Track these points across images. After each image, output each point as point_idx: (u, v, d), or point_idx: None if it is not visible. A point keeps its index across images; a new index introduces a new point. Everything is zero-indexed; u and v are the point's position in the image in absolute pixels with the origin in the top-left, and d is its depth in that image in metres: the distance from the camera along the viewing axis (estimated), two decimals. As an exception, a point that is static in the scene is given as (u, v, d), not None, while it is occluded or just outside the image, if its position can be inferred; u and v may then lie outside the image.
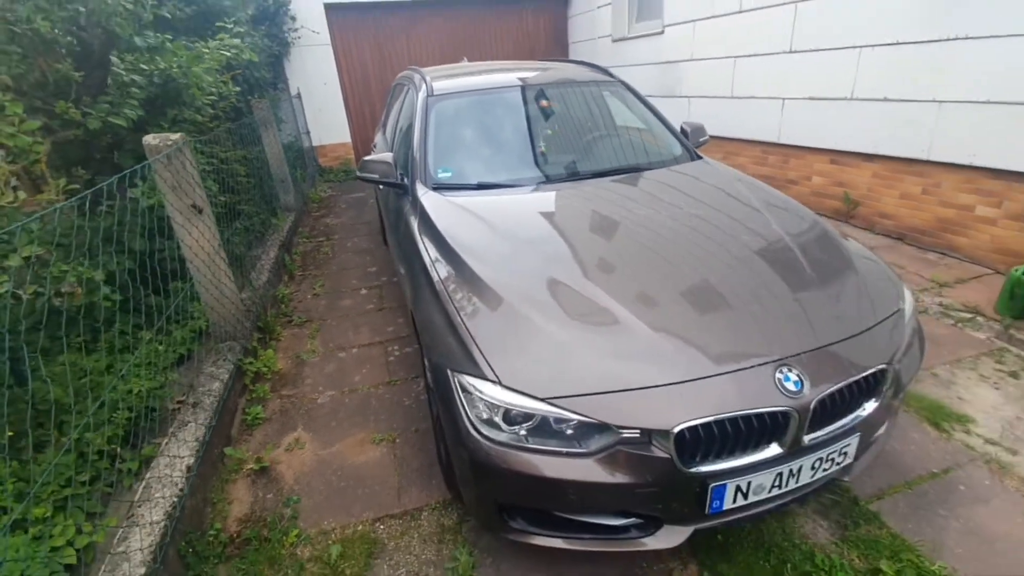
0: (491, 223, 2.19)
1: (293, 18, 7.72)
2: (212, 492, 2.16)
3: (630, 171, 2.70)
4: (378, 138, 4.62)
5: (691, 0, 5.93)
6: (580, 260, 1.96)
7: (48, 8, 2.45)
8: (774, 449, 1.50)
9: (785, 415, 1.46)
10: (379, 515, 2.06)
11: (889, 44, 3.99)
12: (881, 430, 1.87)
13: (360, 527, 2.01)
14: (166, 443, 2.10)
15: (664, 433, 1.41)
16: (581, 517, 1.60)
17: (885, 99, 4.12)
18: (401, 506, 2.10)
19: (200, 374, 2.59)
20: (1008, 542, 1.85)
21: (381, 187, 3.08)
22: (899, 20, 3.88)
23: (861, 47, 4.20)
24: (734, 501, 1.52)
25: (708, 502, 1.49)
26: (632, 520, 1.60)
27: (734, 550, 1.84)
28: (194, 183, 2.60)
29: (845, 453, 1.62)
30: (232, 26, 4.42)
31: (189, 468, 1.97)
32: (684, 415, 1.41)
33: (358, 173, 2.80)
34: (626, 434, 1.43)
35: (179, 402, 2.45)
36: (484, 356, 1.56)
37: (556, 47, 9.25)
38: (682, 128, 3.15)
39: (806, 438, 1.52)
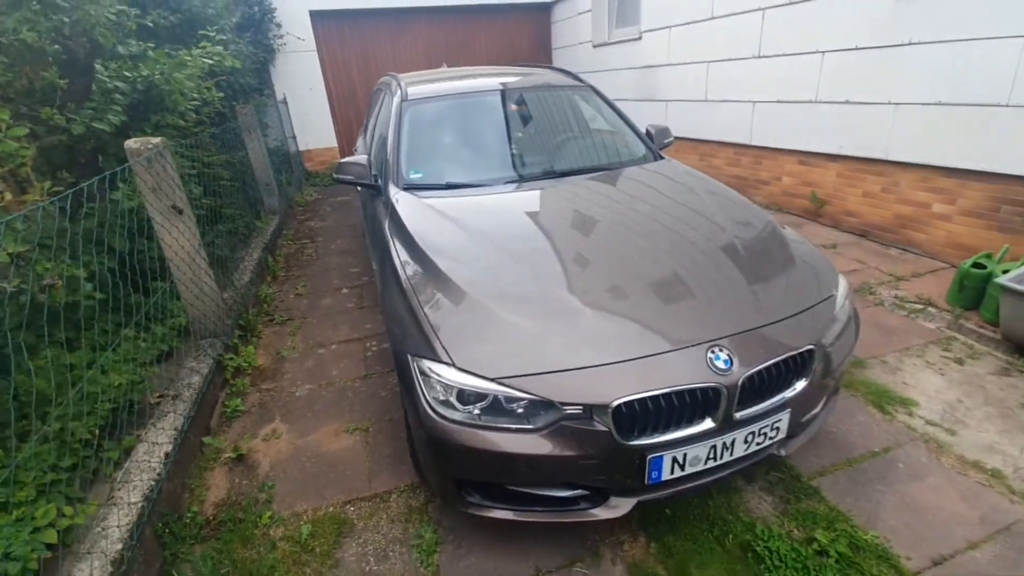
0: (456, 220, 2.31)
1: (279, 25, 7.83)
2: (190, 478, 2.26)
3: (594, 171, 2.84)
4: (359, 142, 4.74)
5: (666, 7, 6.11)
6: (535, 253, 2.09)
7: (34, 19, 2.55)
8: (707, 423, 1.63)
9: (715, 391, 1.59)
10: (350, 498, 2.17)
11: (849, 49, 4.17)
12: (817, 409, 2.01)
13: (331, 509, 2.12)
14: (146, 433, 2.19)
15: (603, 408, 1.53)
16: (532, 490, 1.72)
17: (847, 102, 4.29)
18: (371, 489, 2.21)
19: (181, 369, 2.68)
20: (939, 514, 1.99)
21: (359, 188, 3.19)
22: (857, 26, 4.06)
23: (824, 52, 4.38)
24: (672, 472, 1.64)
25: (647, 473, 1.61)
26: (580, 492, 1.72)
27: (681, 523, 1.96)
28: (174, 185, 2.70)
29: (777, 428, 1.75)
30: (214, 34, 4.52)
31: (167, 455, 2.07)
32: (621, 391, 1.53)
33: (334, 175, 2.92)
34: (569, 410, 1.55)
35: (160, 396, 2.54)
36: (440, 341, 1.68)
37: (540, 52, 9.42)
38: (647, 130, 3.29)
39: (737, 413, 1.65)
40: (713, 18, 5.45)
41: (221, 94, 4.67)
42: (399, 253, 2.19)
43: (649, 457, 1.59)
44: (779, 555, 1.80)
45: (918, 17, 3.64)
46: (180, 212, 2.73)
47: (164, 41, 4.71)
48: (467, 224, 2.29)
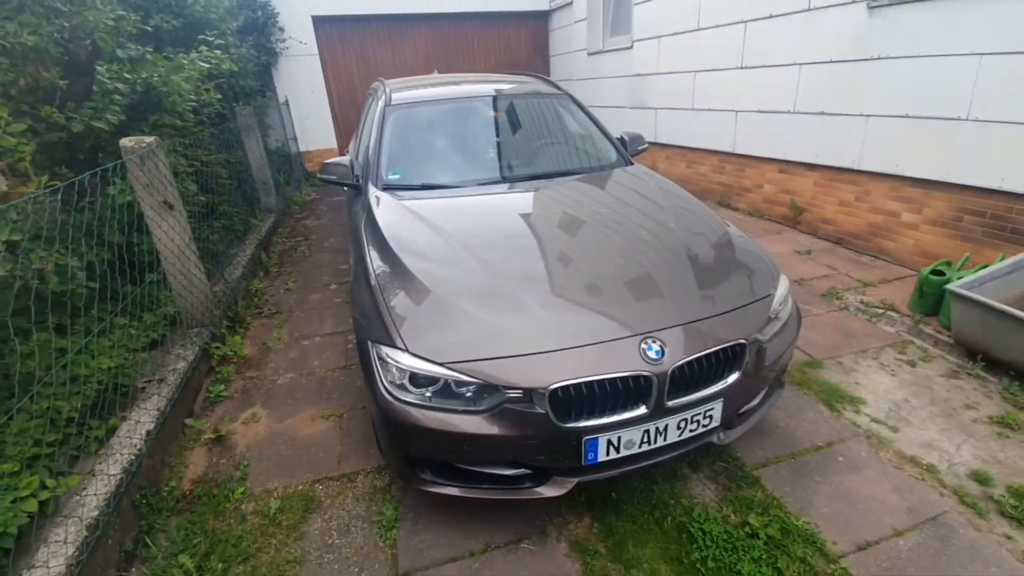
0: (426, 219, 2.46)
1: (282, 29, 8.04)
2: (171, 457, 2.40)
3: (564, 175, 2.98)
4: (352, 144, 4.90)
5: (656, 17, 6.26)
6: (496, 251, 2.22)
7: (36, 23, 2.71)
8: (641, 410, 1.75)
9: (647, 379, 1.72)
10: (319, 477, 2.31)
11: (824, 62, 4.31)
12: (756, 401, 2.14)
13: (300, 487, 2.26)
14: (130, 413, 2.34)
15: (540, 392, 1.66)
16: (479, 468, 1.86)
17: (822, 112, 4.42)
18: (340, 470, 2.35)
19: (167, 355, 2.83)
20: (870, 504, 2.10)
21: (345, 188, 3.34)
22: (832, 39, 4.20)
23: (801, 64, 4.52)
24: (608, 454, 1.77)
25: (584, 454, 1.74)
26: (525, 472, 1.85)
27: (624, 506, 2.09)
28: (166, 182, 2.86)
29: (710, 417, 1.87)
30: (213, 39, 4.70)
31: (148, 432, 2.22)
32: (557, 377, 1.67)
33: (318, 175, 3.07)
34: (510, 393, 1.69)
35: (147, 381, 2.69)
36: (397, 329, 1.82)
37: (537, 59, 9.60)
38: (620, 137, 3.43)
39: (670, 401, 1.77)
40: (699, 29, 5.59)
41: (219, 96, 4.85)
42: (370, 248, 2.33)
43: (585, 439, 1.72)
44: (711, 536, 1.92)
45: (886, 33, 3.78)
46: (171, 207, 2.88)
47: (167, 44, 4.89)
48: (436, 223, 2.43)
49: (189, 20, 5.23)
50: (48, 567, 1.58)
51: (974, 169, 3.47)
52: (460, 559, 1.91)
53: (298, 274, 4.74)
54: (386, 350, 1.81)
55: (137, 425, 2.23)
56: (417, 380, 1.76)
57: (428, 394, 1.76)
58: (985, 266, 3.12)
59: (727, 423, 2.03)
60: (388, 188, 2.82)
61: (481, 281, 2.02)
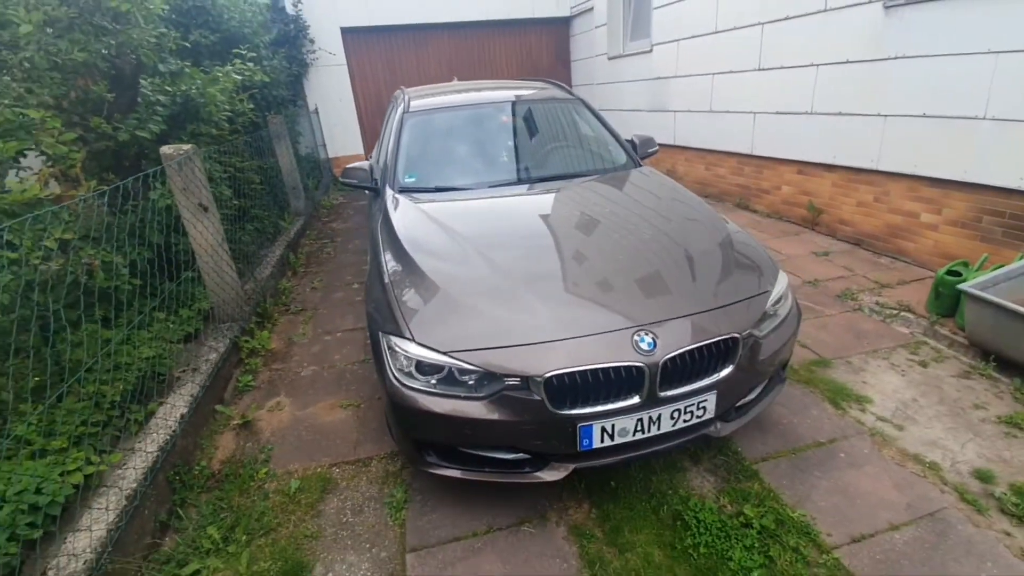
0: (437, 219, 2.60)
1: (312, 40, 8.38)
2: (202, 439, 2.60)
3: (574, 177, 3.08)
4: (375, 150, 5.11)
5: (675, 21, 6.30)
6: (503, 249, 2.34)
7: (84, 40, 2.97)
8: (634, 399, 1.84)
9: (639, 370, 1.80)
10: (336, 461, 2.47)
11: (841, 62, 4.29)
12: (753, 395, 2.19)
13: (319, 469, 2.42)
14: (167, 399, 2.54)
15: (537, 379, 1.77)
16: (481, 452, 1.97)
17: (840, 113, 4.40)
18: (356, 455, 2.50)
19: (201, 347, 3.05)
20: (868, 499, 2.13)
21: (367, 192, 3.52)
22: (848, 40, 4.18)
23: (818, 65, 4.51)
24: (602, 441, 1.86)
25: (579, 440, 1.84)
26: (524, 456, 1.96)
27: (622, 494, 2.17)
28: (202, 186, 3.08)
29: (704, 408, 1.94)
30: (246, 52, 4.98)
31: (182, 416, 2.41)
32: (553, 366, 1.77)
33: (340, 179, 3.25)
34: (509, 381, 1.80)
35: (182, 371, 2.90)
36: (406, 321, 1.96)
37: (559, 65, 9.71)
38: (631, 140, 3.51)
39: (663, 392, 1.85)
40: (717, 32, 5.62)
41: (252, 106, 5.13)
42: (385, 247, 2.48)
43: (580, 426, 1.82)
44: (705, 524, 1.99)
45: (903, 32, 3.76)
46: (206, 209, 3.11)
47: (205, 58, 5.21)
48: (447, 224, 2.56)
49: (225, 35, 5.55)
50: (91, 531, 1.76)
51: (992, 169, 3.42)
52: (464, 539, 2.03)
53: (323, 274, 4.96)
54: (395, 340, 1.94)
55: (173, 409, 2.42)
56: (423, 368, 1.89)
57: (433, 381, 1.89)
58: (1001, 266, 3.08)
59: (724, 416, 2.10)
60: (404, 191, 2.97)
61: (487, 278, 2.14)
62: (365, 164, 3.20)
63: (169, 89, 3.75)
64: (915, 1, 3.65)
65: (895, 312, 3.44)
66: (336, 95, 8.82)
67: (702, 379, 1.93)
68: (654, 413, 1.87)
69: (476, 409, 1.83)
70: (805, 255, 4.50)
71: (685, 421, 1.94)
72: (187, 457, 2.43)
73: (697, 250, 2.28)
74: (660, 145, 6.96)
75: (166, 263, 3.00)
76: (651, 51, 6.90)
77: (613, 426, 1.85)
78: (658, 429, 1.91)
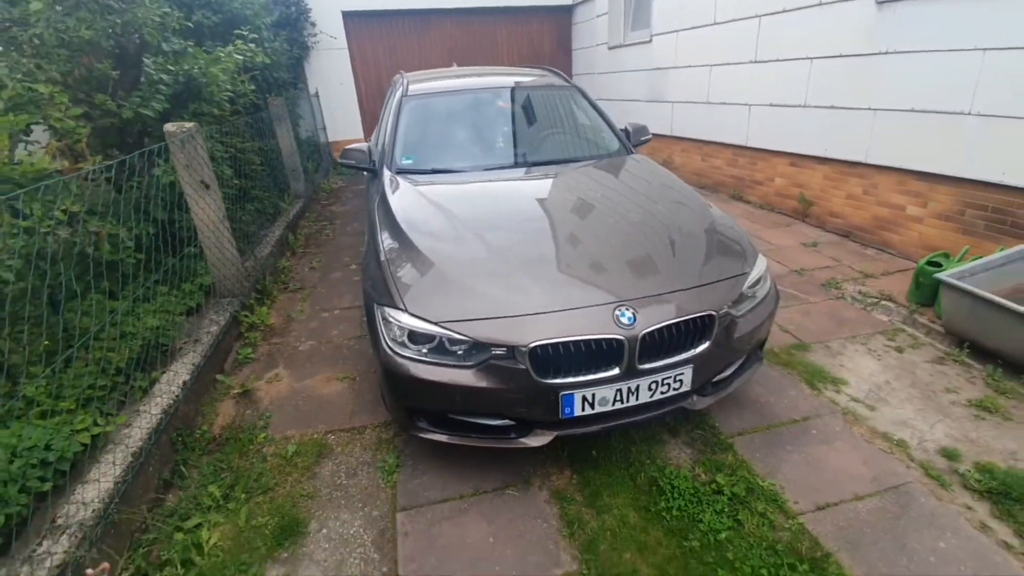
0: (432, 199, 2.69)
1: (313, 23, 8.38)
2: (203, 406, 2.71)
3: (566, 163, 3.17)
4: (374, 134, 5.17)
5: (674, 11, 6.34)
6: (494, 229, 2.43)
7: (91, 19, 3.03)
8: (614, 370, 1.94)
9: (619, 342, 1.90)
10: (331, 429, 2.58)
11: (835, 56, 4.36)
12: (729, 372, 2.30)
13: (315, 436, 2.53)
14: (170, 367, 2.65)
15: (522, 349, 1.87)
16: (469, 418, 2.08)
17: (832, 107, 4.48)
18: (351, 424, 2.61)
19: (203, 320, 3.15)
20: (835, 472, 2.24)
21: (365, 173, 3.60)
22: (842, 33, 4.25)
23: (812, 58, 4.57)
24: (583, 409, 1.97)
25: (560, 408, 1.95)
26: (509, 423, 2.07)
27: (603, 462, 2.28)
28: (204, 163, 3.16)
29: (680, 381, 2.05)
30: (247, 33, 5.02)
31: (184, 383, 2.52)
32: (537, 336, 1.87)
33: (339, 159, 3.33)
34: (496, 351, 1.90)
35: (184, 342, 3.00)
36: (399, 293, 2.06)
37: (560, 53, 9.73)
38: (625, 128, 3.59)
39: (642, 364, 1.96)
40: (716, 23, 5.66)
41: (253, 87, 5.18)
42: (382, 226, 2.57)
43: (562, 394, 1.92)
44: (679, 490, 2.11)
45: (894, 27, 3.82)
46: (207, 187, 3.19)
47: (207, 38, 5.25)
48: (443, 204, 2.65)
49: (227, 16, 5.58)
50: (99, 483, 1.87)
51: (976, 163, 3.51)
52: (451, 500, 2.15)
53: (322, 255, 5.05)
54: (390, 311, 2.04)
55: (175, 376, 2.53)
56: (416, 338, 1.99)
57: (425, 350, 1.99)
58: (979, 258, 3.18)
59: (700, 390, 2.20)
60: (401, 172, 3.06)
61: (479, 257, 2.24)
62: (364, 145, 3.28)
63: (172, 68, 3.81)
64: (907, -4, 3.72)
65: (876, 301, 3.55)
66: (337, 79, 8.84)
67: (679, 354, 2.03)
68: (633, 384, 1.97)
69: (465, 377, 1.93)
70: (794, 246, 4.60)
71: (662, 393, 2.04)
72: (189, 422, 2.53)
73: (680, 233, 2.37)
74: (658, 136, 7.05)
75: (170, 237, 3.09)
76: (651, 41, 6.94)
77: (594, 395, 1.95)
78: (636, 400, 2.01)
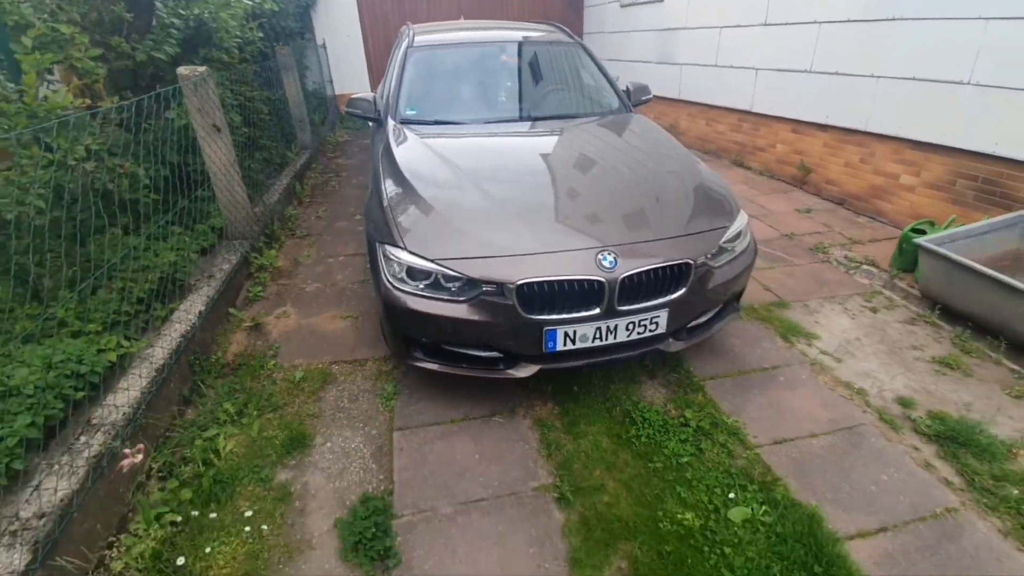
0: (434, 149, 2.81)
1: (321, -30, 8.24)
2: (218, 335, 2.92)
3: (565, 118, 3.27)
4: (380, 85, 5.22)
5: (689, -31, 6.22)
6: (492, 181, 2.56)
7: (105, -40, 3.09)
8: (595, 310, 2.12)
9: (600, 284, 2.07)
10: (335, 360, 2.79)
11: (842, 21, 4.34)
12: (704, 319, 2.47)
13: (320, 365, 2.75)
14: (187, 298, 2.85)
15: (510, 286, 2.04)
16: (461, 349, 2.28)
17: (836, 73, 4.49)
18: (353, 356, 2.83)
19: (215, 258, 3.33)
20: (796, 414, 2.44)
21: (370, 124, 3.71)
22: (851, -2, 4.22)
23: (821, 23, 4.55)
24: (565, 344, 2.15)
25: (544, 342, 2.13)
26: (497, 355, 2.26)
27: (583, 397, 2.49)
28: (215, 107, 3.28)
29: (656, 323, 2.22)
30: (257, -22, 5.02)
31: (200, 312, 2.72)
32: (524, 275, 2.04)
33: (346, 108, 3.44)
34: (486, 287, 2.08)
35: (197, 280, 3.19)
36: (399, 232, 2.22)
37: (571, 10, 9.53)
38: (626, 87, 3.65)
39: (620, 306, 2.13)
40: (729, -17, 5.58)
41: (261, 34, 5.21)
42: (385, 173, 2.71)
43: (545, 329, 2.10)
44: (649, 422, 2.32)
45: (903, -7, 3.81)
46: (219, 130, 3.31)
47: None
48: (444, 153, 2.78)
49: (236, -40, 5.53)
50: (128, 391, 2.09)
51: (970, 133, 3.57)
52: (442, 424, 2.37)
53: (328, 205, 5.20)
54: (390, 249, 2.21)
55: (192, 306, 2.73)
56: (413, 274, 2.17)
57: (422, 286, 2.17)
58: (961, 225, 3.29)
59: (676, 334, 2.38)
60: (405, 122, 3.17)
61: (475, 202, 2.38)
62: (369, 96, 3.38)
63: (183, 12, 3.87)
64: (918, -40, 3.69)
65: (858, 265, 3.68)
66: (344, 30, 8.75)
67: (656, 298, 2.19)
68: (611, 323, 2.15)
69: (457, 310, 2.11)
70: (789, 211, 4.70)
71: (639, 334, 2.22)
72: (205, 348, 2.75)
73: (667, 187, 2.51)
74: (665, 99, 7.03)
75: (180, 180, 3.23)
76: (663, 0, 6.82)
77: (575, 332, 2.13)
78: (614, 338, 2.19)
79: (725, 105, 6.06)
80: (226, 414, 2.37)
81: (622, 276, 2.07)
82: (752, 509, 1.92)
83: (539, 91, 3.52)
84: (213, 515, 1.90)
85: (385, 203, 2.45)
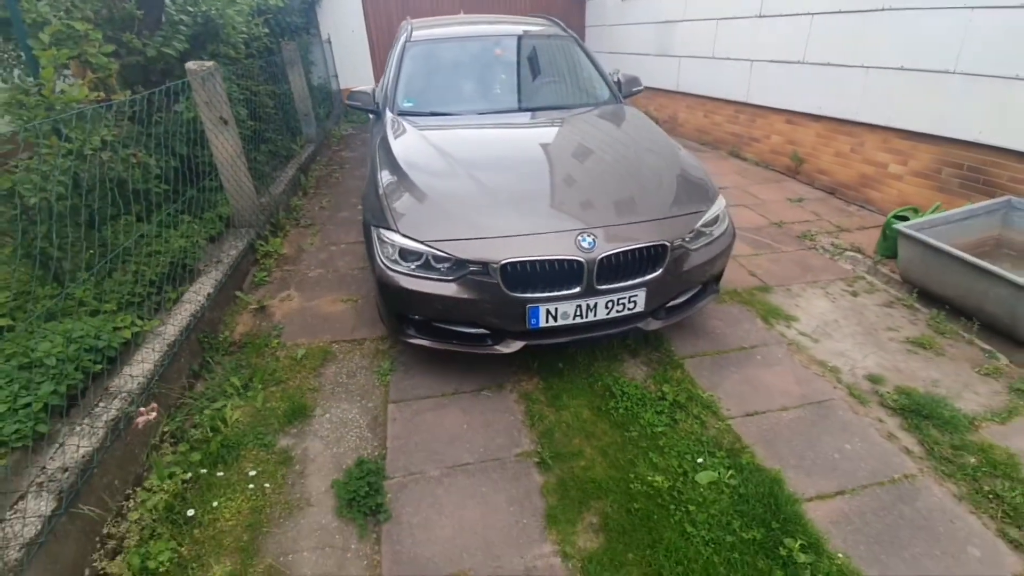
0: (429, 139, 2.95)
1: (326, -34, 8.37)
2: (225, 316, 3.10)
3: (557, 109, 3.39)
4: (381, 79, 5.36)
5: (686, -38, 6.29)
6: (483, 167, 2.70)
7: (117, -40, 3.25)
8: (575, 288, 2.25)
9: (580, 264, 2.20)
10: (335, 339, 2.95)
11: (833, 12, 4.41)
12: (681, 299, 2.60)
13: (321, 344, 2.91)
14: (196, 281, 3.02)
15: (494, 266, 2.18)
16: (450, 326, 2.42)
17: (828, 63, 4.56)
18: (352, 336, 2.99)
19: (223, 244, 3.50)
20: (770, 389, 2.56)
21: (370, 116, 3.85)
22: (842, -11, 4.29)
23: (813, 14, 4.62)
24: (547, 321, 2.29)
25: (527, 319, 2.28)
26: (484, 332, 2.41)
27: (567, 373, 2.63)
28: (222, 101, 3.44)
29: (634, 302, 2.35)
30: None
31: (209, 295, 2.89)
32: (507, 255, 2.18)
33: (346, 101, 3.58)
34: (472, 267, 2.22)
35: (206, 265, 3.37)
36: (393, 216, 2.37)
37: (573, 3, 9.59)
38: (617, 79, 3.77)
39: (600, 285, 2.26)
40: (725, -25, 5.65)
41: (267, 30, 5.36)
42: (382, 164, 2.85)
43: (529, 307, 2.25)
44: (628, 395, 2.45)
45: (891, -16, 3.88)
46: (226, 123, 3.47)
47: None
48: (438, 143, 2.92)
49: (241, -43, 5.68)
50: (142, 364, 2.26)
51: (956, 122, 3.65)
52: (435, 397, 2.52)
53: (332, 196, 5.37)
54: (384, 232, 2.36)
55: (201, 288, 2.90)
56: (406, 255, 2.31)
57: (413, 266, 2.31)
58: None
59: (654, 313, 2.51)
60: (402, 114, 3.31)
61: (465, 190, 2.52)
62: (368, 88, 3.52)
63: (191, 9, 4.03)
64: (905, -48, 3.76)
65: (842, 251, 3.78)
66: (349, 26, 8.88)
67: (634, 278, 2.33)
68: (591, 302, 2.29)
69: (447, 289, 2.26)
70: (780, 200, 4.79)
71: (618, 312, 2.35)
72: (213, 327, 2.93)
73: (648, 174, 2.63)
74: (664, 91, 7.11)
75: (189, 171, 3.40)
76: (662, -7, 6.89)
77: (556, 309, 2.27)
78: (594, 316, 2.33)
79: (722, 97, 6.13)
80: (233, 387, 2.54)
81: (600, 256, 2.21)
82: (719, 473, 2.06)
83: (532, 83, 3.64)
84: (220, 474, 2.07)
85: (381, 190, 2.60)
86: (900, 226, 3.17)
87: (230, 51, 4.42)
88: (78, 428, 1.90)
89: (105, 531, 1.81)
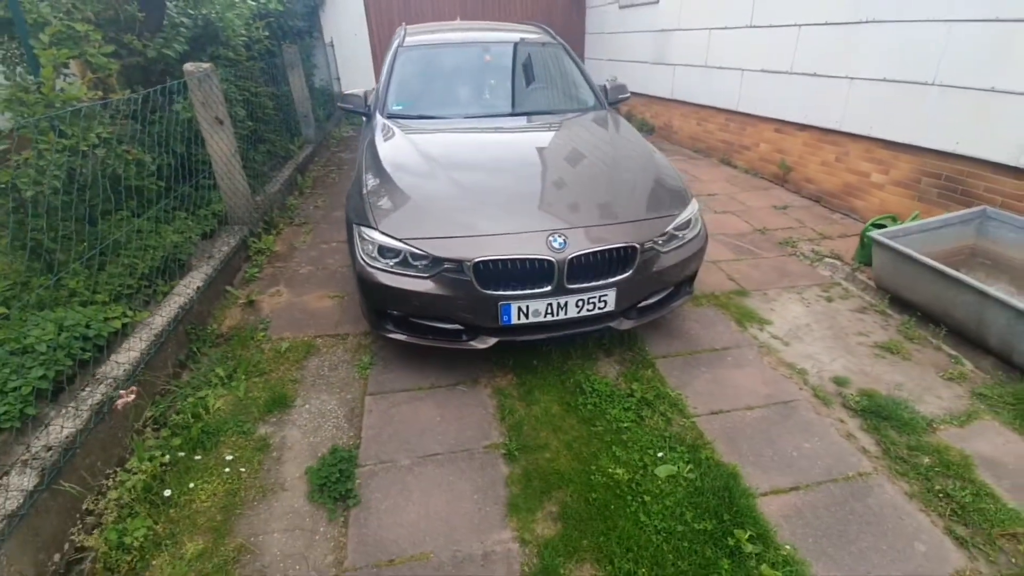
0: (413, 141, 3.05)
1: (330, -29, 8.52)
2: (214, 310, 3.19)
3: (541, 114, 3.49)
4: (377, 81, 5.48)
5: (681, -28, 6.39)
6: (464, 169, 2.80)
7: (120, -36, 3.37)
8: (546, 287, 2.34)
9: (550, 263, 2.29)
10: (320, 334, 3.05)
11: (820, 24, 4.50)
12: (652, 300, 2.68)
13: (305, 338, 3.00)
14: (187, 275, 3.12)
15: (468, 263, 2.27)
16: (427, 321, 2.51)
17: (815, 74, 4.65)
18: (336, 331, 3.08)
19: (216, 240, 3.60)
20: (737, 389, 2.63)
21: (364, 118, 3.95)
22: (829, 1, 4.38)
23: (800, 25, 4.71)
24: (519, 318, 2.38)
25: (499, 315, 2.36)
26: (459, 328, 2.49)
27: (541, 370, 2.71)
28: (218, 101, 3.55)
29: (604, 301, 2.44)
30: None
31: (198, 288, 2.99)
32: (480, 254, 2.27)
33: (338, 103, 3.69)
34: (447, 264, 2.31)
35: (198, 260, 3.47)
36: (374, 215, 2.46)
37: (574, 11, 9.72)
38: (603, 86, 3.86)
39: (570, 284, 2.35)
40: (718, -14, 5.75)
41: (267, 34, 5.49)
42: (367, 164, 2.95)
43: (501, 304, 2.33)
44: (597, 392, 2.53)
45: (876, -3, 3.97)
46: (221, 123, 3.58)
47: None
48: (422, 146, 3.02)
49: (244, -38, 5.81)
50: (129, 352, 2.36)
51: (934, 133, 3.72)
52: (411, 391, 2.61)
53: (327, 196, 5.47)
54: (365, 230, 2.46)
55: (191, 281, 3.00)
56: (384, 252, 2.41)
57: (392, 263, 2.40)
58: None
59: (626, 313, 2.60)
60: (391, 117, 3.41)
61: (445, 191, 2.62)
62: (360, 91, 3.63)
63: (192, 12, 4.15)
64: (887, -34, 3.84)
65: (822, 258, 3.86)
66: (351, 30, 9.03)
67: (604, 278, 2.41)
68: (562, 300, 2.37)
69: (423, 285, 2.35)
70: (766, 208, 4.87)
71: (588, 311, 2.44)
72: (202, 320, 3.02)
73: (622, 177, 2.72)
74: (659, 99, 7.19)
75: (185, 168, 3.50)
76: (658, 2, 6.99)
77: (528, 307, 2.36)
78: (565, 314, 2.41)
79: (714, 105, 6.22)
80: (217, 377, 2.63)
81: (571, 256, 2.29)
82: (678, 467, 2.14)
83: (518, 89, 3.74)
84: (198, 458, 2.16)
85: (364, 190, 2.69)
86: (874, 234, 3.24)
87: (230, 53, 4.55)
88: (64, 411, 1.99)
89: (85, 507, 1.90)
